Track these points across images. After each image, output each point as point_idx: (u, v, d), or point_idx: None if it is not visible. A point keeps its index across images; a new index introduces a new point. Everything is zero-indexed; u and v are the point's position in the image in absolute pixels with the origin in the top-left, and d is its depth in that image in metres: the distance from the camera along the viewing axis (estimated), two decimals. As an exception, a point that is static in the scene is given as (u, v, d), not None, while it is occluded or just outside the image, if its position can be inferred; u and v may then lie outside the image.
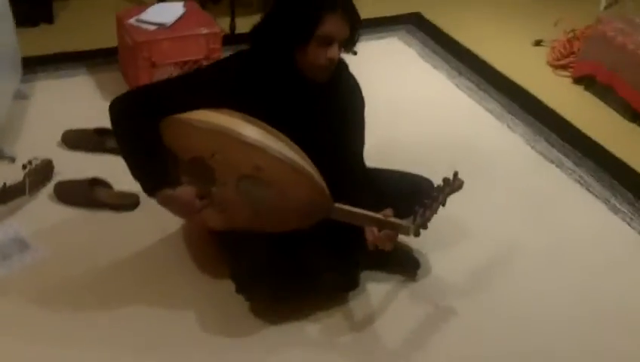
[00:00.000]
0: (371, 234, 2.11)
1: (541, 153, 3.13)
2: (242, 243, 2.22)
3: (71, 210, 2.60)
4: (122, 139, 2.14)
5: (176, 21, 3.28)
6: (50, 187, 2.67)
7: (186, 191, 2.14)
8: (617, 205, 2.84)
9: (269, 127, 2.11)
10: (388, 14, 4.22)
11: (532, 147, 3.16)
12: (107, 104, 2.15)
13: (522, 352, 2.22)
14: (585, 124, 3.33)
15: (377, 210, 2.15)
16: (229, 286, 2.22)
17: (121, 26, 3.30)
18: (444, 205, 2.10)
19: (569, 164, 3.06)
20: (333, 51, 2.09)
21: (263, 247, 2.19)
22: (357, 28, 2.14)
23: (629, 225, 2.75)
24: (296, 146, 2.12)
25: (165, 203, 2.16)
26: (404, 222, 2.11)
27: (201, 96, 2.11)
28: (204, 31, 3.25)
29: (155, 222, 2.53)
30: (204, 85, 2.13)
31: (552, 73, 3.83)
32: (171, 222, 2.50)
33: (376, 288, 2.39)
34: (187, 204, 2.14)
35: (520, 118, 3.35)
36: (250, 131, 2.08)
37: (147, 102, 2.11)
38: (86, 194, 2.61)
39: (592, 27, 3.74)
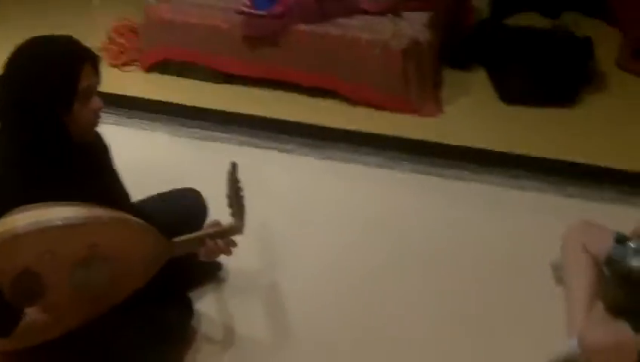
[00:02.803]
0: (205, 249, 2.12)
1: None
2: (100, 334, 1.99)
3: None
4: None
5: None
6: None
7: (34, 312, 1.80)
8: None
9: (75, 202, 1.90)
10: None
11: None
12: None
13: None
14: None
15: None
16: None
17: None
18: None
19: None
20: (97, 102, 1.95)
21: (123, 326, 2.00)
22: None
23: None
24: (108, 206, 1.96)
25: (23, 337, 1.78)
26: (235, 223, 2.18)
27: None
28: None
29: None
30: None
31: (122, 73, 3.91)
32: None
33: (206, 303, 2.39)
34: (45, 323, 1.81)
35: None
36: (68, 212, 1.86)
37: None
38: None
39: (139, 20, 3.90)
